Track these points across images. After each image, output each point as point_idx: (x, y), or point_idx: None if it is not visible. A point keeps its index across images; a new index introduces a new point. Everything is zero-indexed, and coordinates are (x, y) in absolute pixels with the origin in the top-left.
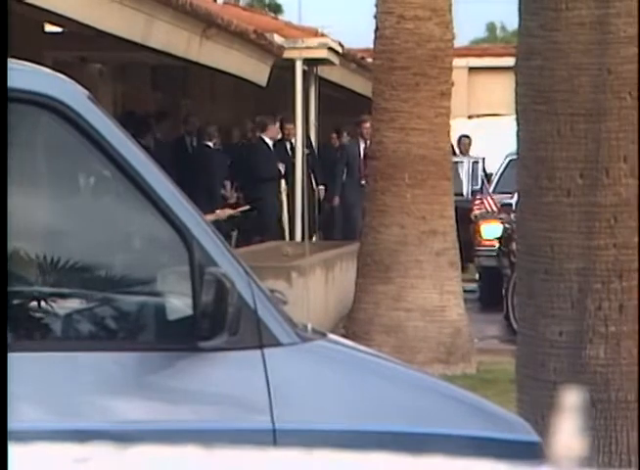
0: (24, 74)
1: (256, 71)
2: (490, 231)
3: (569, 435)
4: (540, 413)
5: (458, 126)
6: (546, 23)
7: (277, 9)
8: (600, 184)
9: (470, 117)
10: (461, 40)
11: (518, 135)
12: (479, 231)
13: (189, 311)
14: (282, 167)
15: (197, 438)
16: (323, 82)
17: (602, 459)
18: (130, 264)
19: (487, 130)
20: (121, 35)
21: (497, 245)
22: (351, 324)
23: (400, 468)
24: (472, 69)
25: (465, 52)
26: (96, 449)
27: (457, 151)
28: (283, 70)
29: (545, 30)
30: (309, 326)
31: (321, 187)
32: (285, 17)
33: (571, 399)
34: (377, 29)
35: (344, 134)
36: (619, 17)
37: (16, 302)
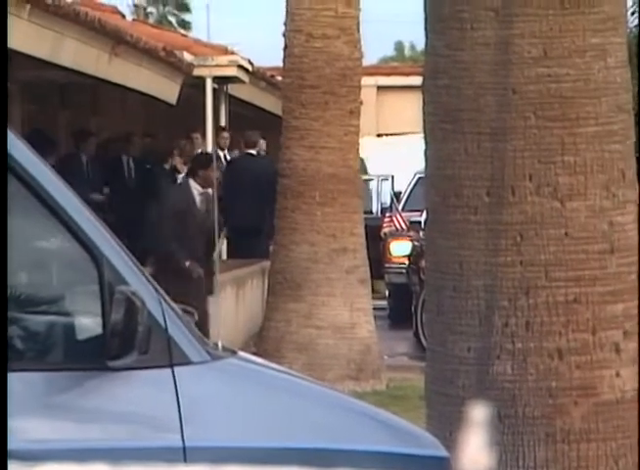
0: None
1: (166, 89)
2: (400, 249)
3: (476, 449)
4: (449, 429)
5: (367, 145)
6: (452, 43)
7: (186, 26)
8: (506, 202)
9: (379, 135)
10: (369, 59)
11: (425, 153)
12: (388, 249)
13: (98, 330)
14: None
15: (107, 457)
16: (233, 100)
17: None
18: (39, 283)
19: (396, 148)
20: (29, 53)
21: (406, 262)
22: (262, 342)
23: None
24: (380, 87)
25: (373, 71)
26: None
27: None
28: (193, 87)
29: (451, 50)
30: (220, 344)
31: None
32: (194, 34)
33: (479, 415)
34: (286, 48)
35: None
36: (523, 37)
37: None
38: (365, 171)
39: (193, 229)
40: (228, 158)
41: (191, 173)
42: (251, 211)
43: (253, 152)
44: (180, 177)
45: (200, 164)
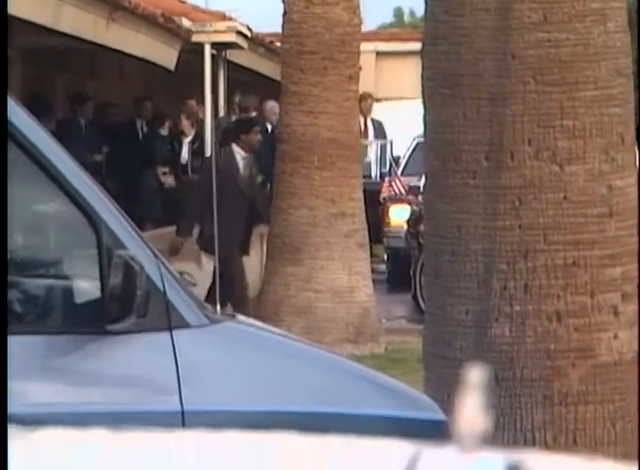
0: None
1: (165, 55)
2: (399, 213)
3: (472, 412)
4: (447, 391)
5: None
6: (451, 9)
7: None
8: (505, 166)
9: (378, 100)
10: (369, 25)
11: (425, 118)
12: (387, 213)
13: (97, 294)
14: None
15: (105, 420)
16: (232, 66)
17: (507, 437)
18: (38, 247)
19: (395, 113)
20: (30, 19)
21: (405, 227)
22: (261, 306)
23: (308, 448)
24: (379, 53)
25: (372, 37)
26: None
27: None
28: (191, 53)
29: (450, 16)
30: (218, 308)
31: None
32: (192, 0)
33: (475, 377)
34: (285, 14)
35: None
36: (523, 2)
37: None
38: (384, 136)
39: (236, 194)
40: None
41: (233, 138)
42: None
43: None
44: (186, 141)
45: (242, 128)
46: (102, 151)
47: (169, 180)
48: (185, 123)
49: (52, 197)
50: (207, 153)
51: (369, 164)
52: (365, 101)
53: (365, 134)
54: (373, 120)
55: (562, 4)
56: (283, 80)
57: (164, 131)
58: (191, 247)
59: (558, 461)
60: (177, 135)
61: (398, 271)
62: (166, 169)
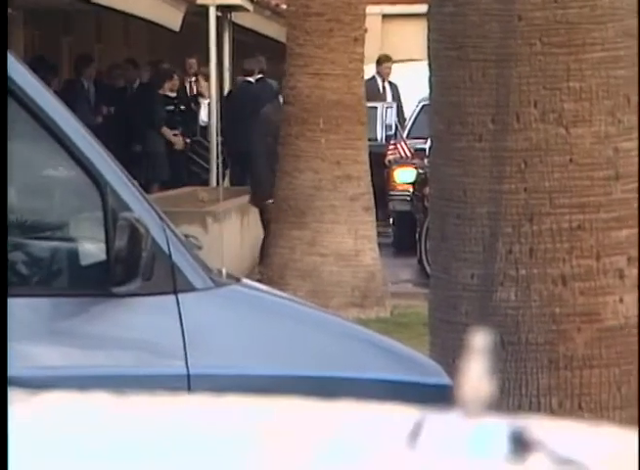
0: None
1: (169, 16)
2: (404, 176)
3: (477, 377)
4: (452, 356)
5: (372, 72)
6: None
7: None
8: (511, 129)
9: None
10: None
11: (430, 81)
12: (392, 176)
13: (102, 257)
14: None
15: (111, 383)
16: (237, 28)
17: (512, 402)
18: (42, 209)
19: (400, 75)
20: None
21: (411, 190)
22: (266, 269)
23: (313, 412)
24: (385, 15)
25: None
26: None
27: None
28: (197, 15)
29: None
30: (224, 271)
31: None
32: None
33: (480, 342)
34: None
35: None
36: None
37: None
38: (399, 98)
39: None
40: None
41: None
42: (247, 135)
43: (251, 79)
44: (205, 103)
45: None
46: (104, 112)
47: (180, 142)
48: (204, 85)
49: (56, 158)
50: (211, 117)
51: (375, 127)
52: (384, 63)
53: (384, 97)
54: (390, 83)
55: None
56: (288, 42)
57: (172, 93)
58: (196, 210)
59: (562, 427)
60: (193, 96)
61: (404, 235)
62: (177, 131)
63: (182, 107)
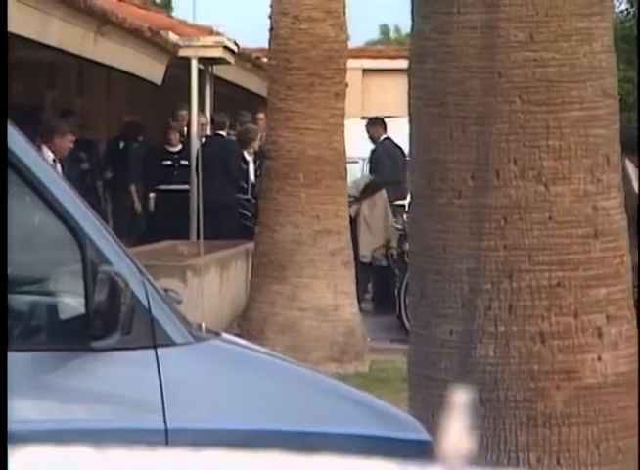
0: None
1: (152, 69)
2: None
3: (457, 433)
4: (431, 412)
5: (352, 127)
6: (438, 27)
7: (167, 6)
8: (490, 186)
9: (364, 117)
10: (355, 41)
11: (411, 137)
12: None
13: (82, 310)
14: None
15: (89, 437)
16: (219, 81)
17: (491, 457)
18: (22, 263)
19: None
20: (17, 33)
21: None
22: (246, 323)
23: (292, 467)
24: (366, 70)
25: (359, 53)
26: None
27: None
28: (178, 68)
29: (437, 33)
30: (203, 325)
31: None
32: (179, 15)
33: (460, 399)
34: (272, 29)
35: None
36: (510, 21)
37: None
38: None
39: None
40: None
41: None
42: (219, 188)
43: (223, 133)
44: (251, 160)
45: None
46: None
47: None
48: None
49: (36, 211)
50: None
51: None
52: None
53: None
54: None
55: (548, 23)
56: (269, 96)
57: (173, 147)
58: (176, 263)
59: None
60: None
61: (383, 290)
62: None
63: (183, 161)
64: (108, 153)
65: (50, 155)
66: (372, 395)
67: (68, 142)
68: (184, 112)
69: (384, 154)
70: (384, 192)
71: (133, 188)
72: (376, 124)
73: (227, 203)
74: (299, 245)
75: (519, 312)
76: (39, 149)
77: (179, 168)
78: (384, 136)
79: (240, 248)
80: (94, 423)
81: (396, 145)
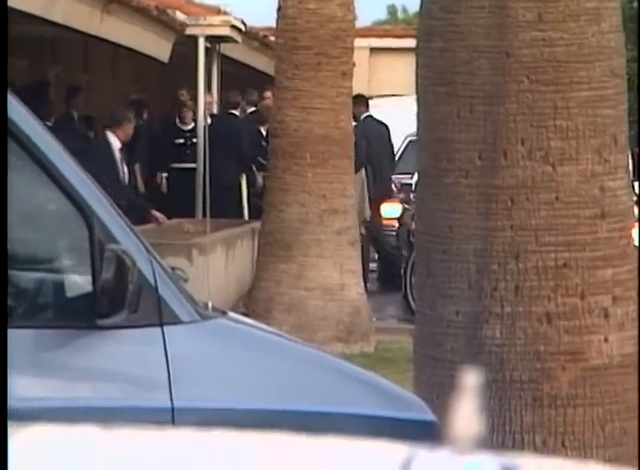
0: None
1: (158, 48)
2: (390, 211)
3: (467, 416)
4: (437, 392)
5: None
6: (447, 6)
7: None
8: (498, 166)
9: (371, 97)
10: (363, 21)
11: (418, 116)
12: (378, 211)
13: (89, 288)
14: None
15: (95, 415)
16: (225, 60)
17: (496, 439)
18: (29, 240)
19: (388, 111)
20: (21, 9)
21: (397, 225)
22: (252, 302)
23: (298, 447)
24: (373, 49)
25: (366, 33)
26: None
27: None
28: (185, 46)
29: (446, 13)
30: (210, 304)
31: None
32: None
33: (470, 381)
34: (279, 9)
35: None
36: (518, 1)
37: None
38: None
39: None
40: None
41: None
42: (227, 169)
43: (235, 112)
44: None
45: None
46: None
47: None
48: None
49: (44, 189)
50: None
51: None
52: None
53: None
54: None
55: (556, 3)
56: (276, 75)
57: (185, 125)
58: (182, 242)
59: (556, 466)
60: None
61: (389, 270)
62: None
63: (196, 140)
64: None
65: (117, 142)
66: (377, 375)
67: (130, 128)
68: (182, 91)
69: (362, 134)
70: (362, 172)
71: (137, 167)
72: (358, 102)
73: (233, 184)
74: (306, 224)
75: (525, 293)
76: (105, 136)
77: (192, 146)
78: (366, 114)
79: (246, 227)
80: (100, 401)
81: (379, 122)
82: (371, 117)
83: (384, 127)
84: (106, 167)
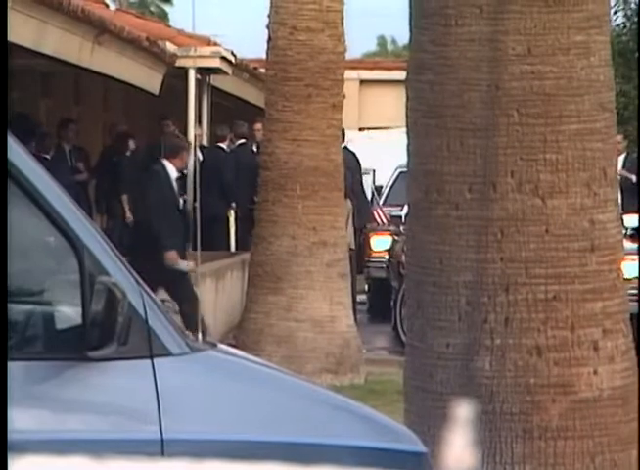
0: None
1: (149, 79)
2: (380, 243)
3: (460, 448)
4: (427, 424)
5: (349, 138)
6: (436, 39)
7: (163, 16)
8: (488, 199)
9: (361, 129)
10: (352, 53)
11: (408, 149)
12: (368, 243)
13: (78, 320)
14: None
15: (85, 447)
16: (216, 91)
17: (486, 469)
18: (19, 272)
19: (378, 143)
20: (12, 41)
21: (387, 257)
22: (241, 334)
23: None
24: (363, 81)
25: (356, 64)
26: None
27: None
28: (176, 78)
29: (435, 46)
30: (199, 336)
31: None
32: (176, 25)
33: (461, 413)
34: (270, 40)
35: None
36: (508, 34)
37: None
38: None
39: None
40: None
41: None
42: (213, 201)
43: (223, 146)
44: None
45: None
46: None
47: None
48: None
49: (34, 221)
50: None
51: None
52: None
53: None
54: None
55: (546, 36)
56: (267, 107)
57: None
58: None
59: None
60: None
61: (379, 302)
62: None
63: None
64: (100, 163)
65: (174, 171)
66: (367, 406)
67: (186, 157)
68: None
69: (344, 164)
70: (348, 201)
71: (125, 198)
72: None
73: (220, 215)
74: (295, 256)
75: (515, 325)
76: (163, 165)
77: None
78: (342, 145)
79: (236, 258)
80: (90, 433)
81: (351, 152)
82: (346, 147)
83: (355, 158)
84: (167, 195)
